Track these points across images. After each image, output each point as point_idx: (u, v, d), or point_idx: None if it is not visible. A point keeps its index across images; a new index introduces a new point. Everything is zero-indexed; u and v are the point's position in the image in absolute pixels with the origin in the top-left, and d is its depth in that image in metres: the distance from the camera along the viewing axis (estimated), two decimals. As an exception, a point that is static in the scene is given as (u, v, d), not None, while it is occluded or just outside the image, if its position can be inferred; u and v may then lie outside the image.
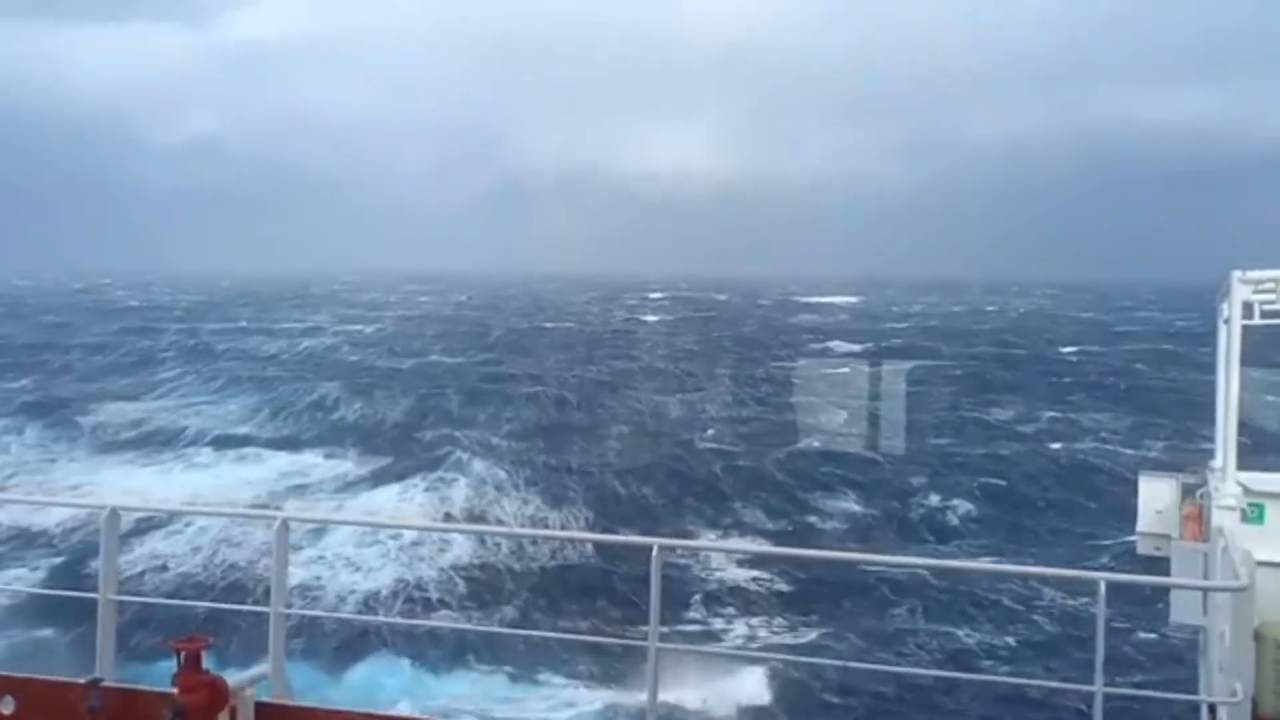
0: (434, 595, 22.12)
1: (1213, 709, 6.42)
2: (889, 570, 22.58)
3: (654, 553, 5.45)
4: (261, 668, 6.02)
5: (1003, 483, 30.77)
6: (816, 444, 36.12)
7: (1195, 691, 8.61)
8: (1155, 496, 9.83)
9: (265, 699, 5.90)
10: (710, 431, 38.32)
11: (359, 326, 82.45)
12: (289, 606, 6.29)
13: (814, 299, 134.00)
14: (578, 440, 35.81)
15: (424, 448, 34.39)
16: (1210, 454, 9.57)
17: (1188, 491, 9.61)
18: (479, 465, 31.38)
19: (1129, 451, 34.34)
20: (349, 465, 31.72)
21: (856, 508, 28.77)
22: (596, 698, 18.05)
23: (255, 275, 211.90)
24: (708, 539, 25.66)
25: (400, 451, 34.05)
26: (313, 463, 32.69)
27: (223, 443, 35.54)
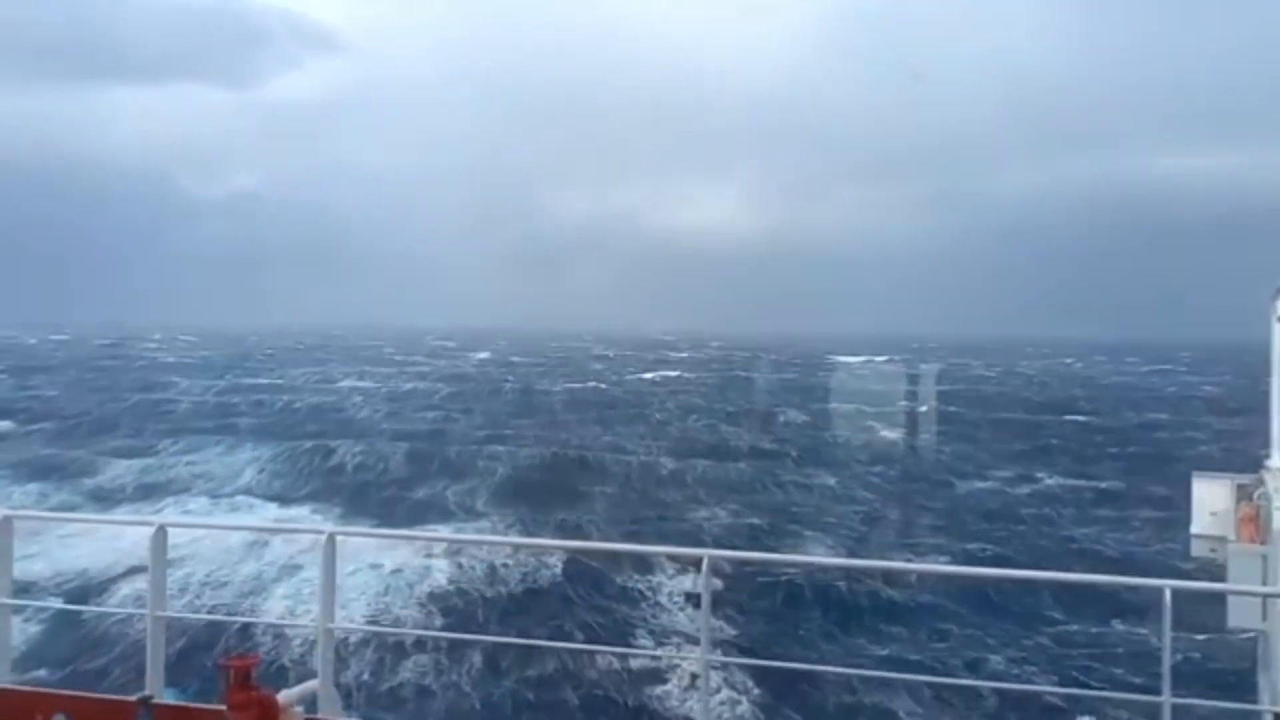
0: (480, 610, 22.29)
1: (1278, 718, 6.11)
2: (948, 583, 22.45)
3: (704, 564, 5.35)
4: (311, 684, 5.96)
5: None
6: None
7: (1254, 700, 8.26)
8: (1210, 498, 9.52)
9: (314, 715, 5.85)
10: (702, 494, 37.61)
11: (374, 384, 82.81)
12: (334, 622, 6.21)
13: (844, 358, 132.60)
14: (561, 504, 35.38)
15: (410, 508, 34.30)
16: (1266, 455, 9.15)
17: (1243, 493, 9.30)
18: (459, 526, 31.19)
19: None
20: (330, 524, 31.66)
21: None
22: (646, 712, 17.90)
23: (286, 329, 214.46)
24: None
25: (385, 511, 33.95)
26: (293, 516, 32.69)
27: (214, 495, 35.65)
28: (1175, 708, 4.56)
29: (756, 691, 17.66)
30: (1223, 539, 9.33)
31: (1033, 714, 17.51)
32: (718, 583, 22.12)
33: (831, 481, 39.20)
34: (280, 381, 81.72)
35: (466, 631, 20.77)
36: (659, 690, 18.33)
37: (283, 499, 35.60)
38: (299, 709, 5.81)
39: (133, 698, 5.88)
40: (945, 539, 28.81)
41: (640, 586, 23.86)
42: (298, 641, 18.52)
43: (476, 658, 19.30)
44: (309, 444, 44.72)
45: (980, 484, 39.77)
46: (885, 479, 40.35)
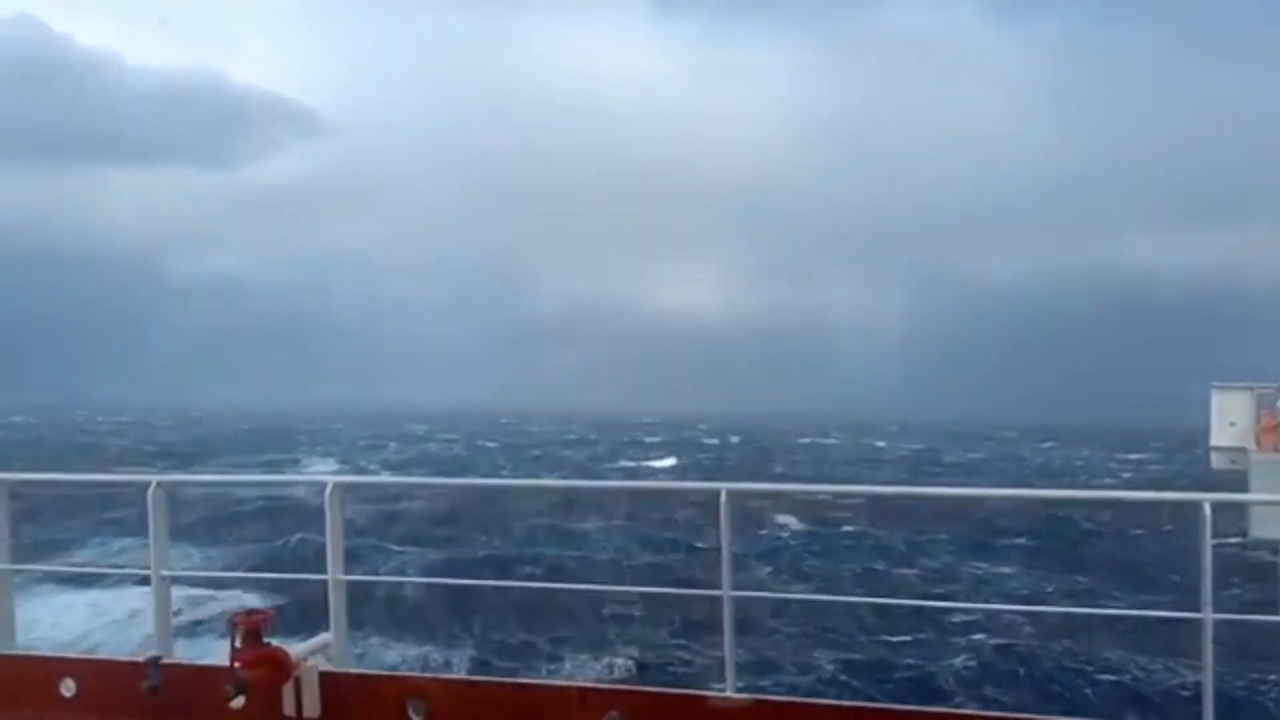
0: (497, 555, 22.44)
1: None
2: (985, 504, 24.44)
3: (722, 499, 5.27)
4: (323, 637, 5.88)
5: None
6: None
7: (1274, 610, 8.38)
8: (1229, 409, 9.53)
9: (329, 669, 5.75)
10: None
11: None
12: (343, 574, 6.07)
13: (815, 439, 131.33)
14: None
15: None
16: None
17: (1264, 402, 9.35)
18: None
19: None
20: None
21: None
22: (670, 648, 18.24)
23: (256, 411, 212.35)
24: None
25: (308, 607, 31.99)
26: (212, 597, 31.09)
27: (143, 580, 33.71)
28: (1221, 625, 4.51)
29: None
30: (1243, 450, 9.34)
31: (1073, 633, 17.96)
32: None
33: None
34: (243, 470, 79.38)
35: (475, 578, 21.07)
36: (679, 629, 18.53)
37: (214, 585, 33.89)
38: (313, 662, 5.71)
39: (142, 658, 5.83)
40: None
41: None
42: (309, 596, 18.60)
43: (495, 604, 19.64)
44: (254, 536, 42.59)
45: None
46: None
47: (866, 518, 33.95)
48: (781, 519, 36.35)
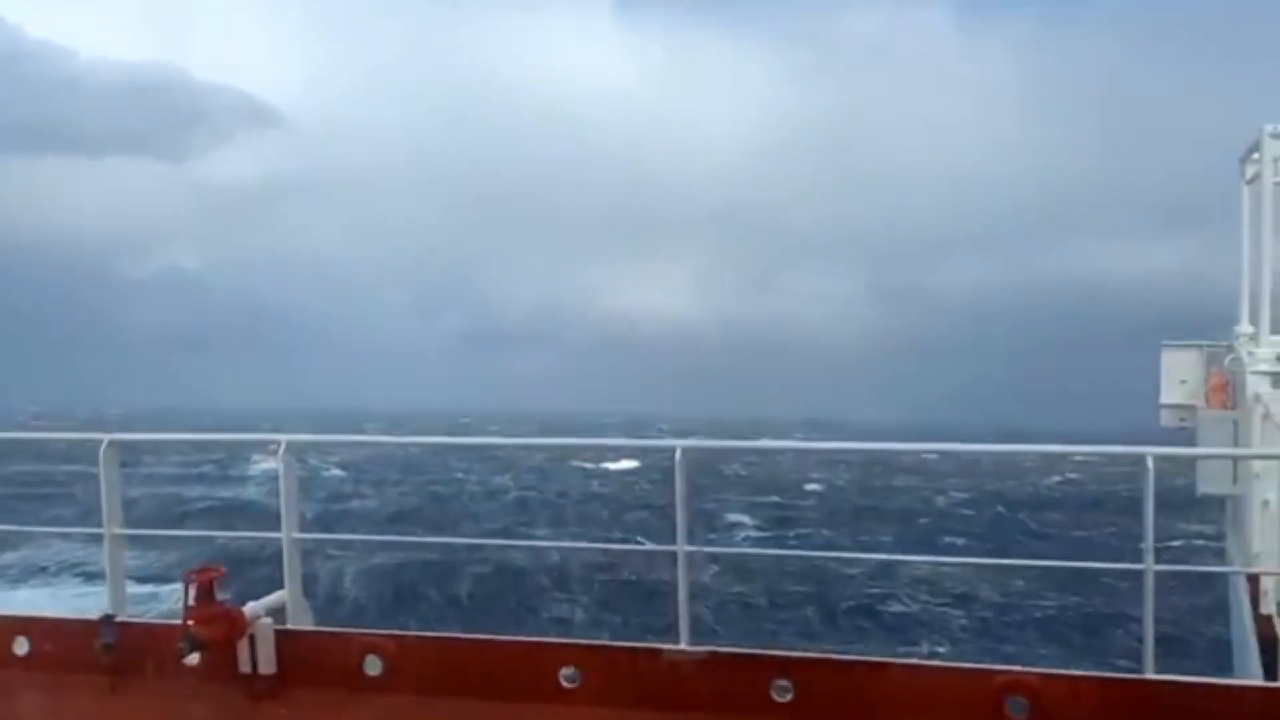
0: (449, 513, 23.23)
1: (1253, 579, 6.14)
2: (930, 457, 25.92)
3: (677, 456, 5.27)
4: (278, 594, 5.84)
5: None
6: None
7: (1223, 562, 8.75)
8: (1179, 367, 9.71)
9: (284, 626, 5.71)
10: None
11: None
12: (298, 532, 6.03)
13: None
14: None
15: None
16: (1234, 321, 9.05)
17: (1213, 360, 9.46)
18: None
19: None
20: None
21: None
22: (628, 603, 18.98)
23: (211, 410, 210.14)
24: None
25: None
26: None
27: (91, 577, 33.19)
28: (1156, 575, 4.66)
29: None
30: (1192, 407, 9.51)
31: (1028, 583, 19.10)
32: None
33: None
34: (192, 472, 78.10)
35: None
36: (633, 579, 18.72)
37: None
38: (268, 620, 5.66)
39: (95, 615, 5.79)
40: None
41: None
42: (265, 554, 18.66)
43: (451, 561, 19.62)
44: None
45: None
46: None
47: (819, 517, 34.35)
48: (734, 518, 36.46)
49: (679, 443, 5.46)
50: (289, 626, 5.78)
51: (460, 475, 74.17)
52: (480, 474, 77.75)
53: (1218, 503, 9.50)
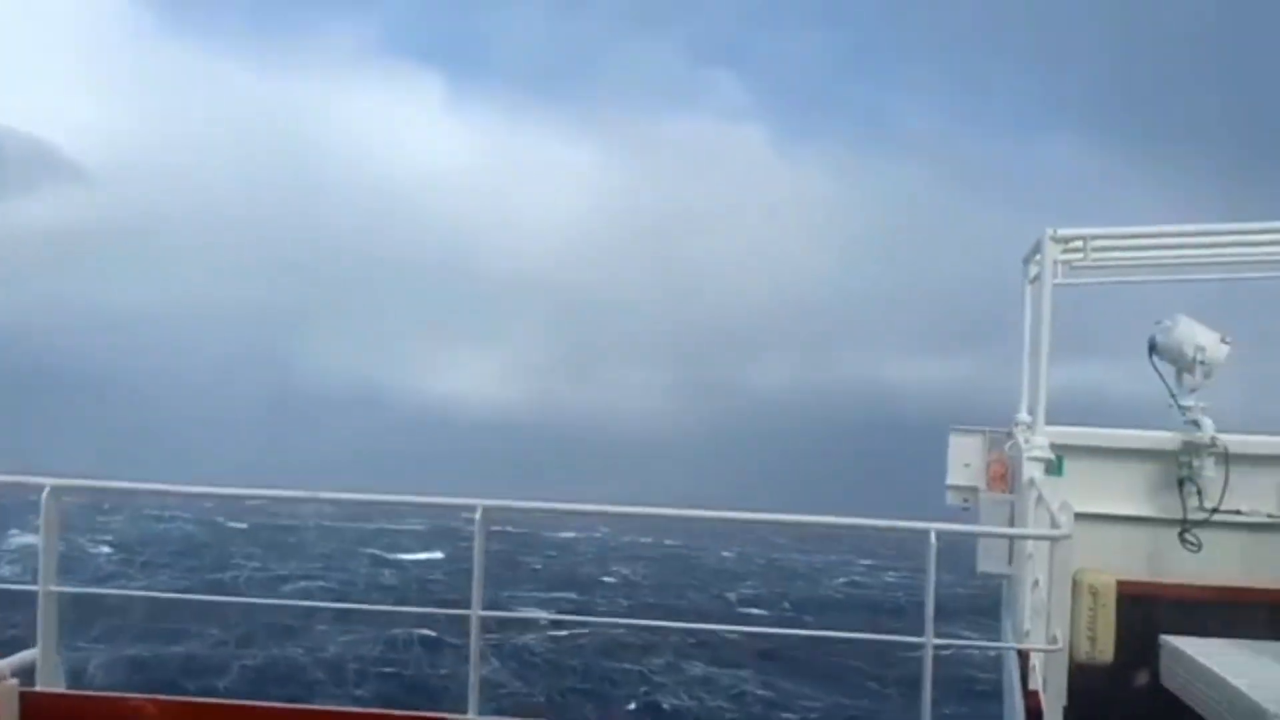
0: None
1: (1023, 655, 6.46)
2: (730, 528, 26.07)
3: (478, 515, 5.16)
4: (29, 653, 5.47)
5: None
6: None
7: (999, 639, 9.07)
8: (963, 451, 10.28)
9: (33, 688, 5.34)
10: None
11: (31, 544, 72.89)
12: (55, 585, 5.63)
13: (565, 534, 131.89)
14: None
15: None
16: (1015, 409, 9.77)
17: (994, 445, 10.08)
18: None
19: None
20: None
21: None
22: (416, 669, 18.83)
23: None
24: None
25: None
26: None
27: None
28: (942, 649, 4.83)
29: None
30: (975, 489, 10.04)
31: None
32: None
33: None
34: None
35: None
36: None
37: None
38: (13, 680, 5.29)
39: None
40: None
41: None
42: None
43: (213, 653, 18.10)
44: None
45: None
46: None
47: (612, 611, 34.58)
48: (527, 612, 35.87)
49: (481, 501, 5.37)
50: (39, 689, 5.39)
51: (240, 561, 70.18)
52: (263, 560, 73.79)
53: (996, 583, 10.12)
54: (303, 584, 52.44)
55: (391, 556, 72.98)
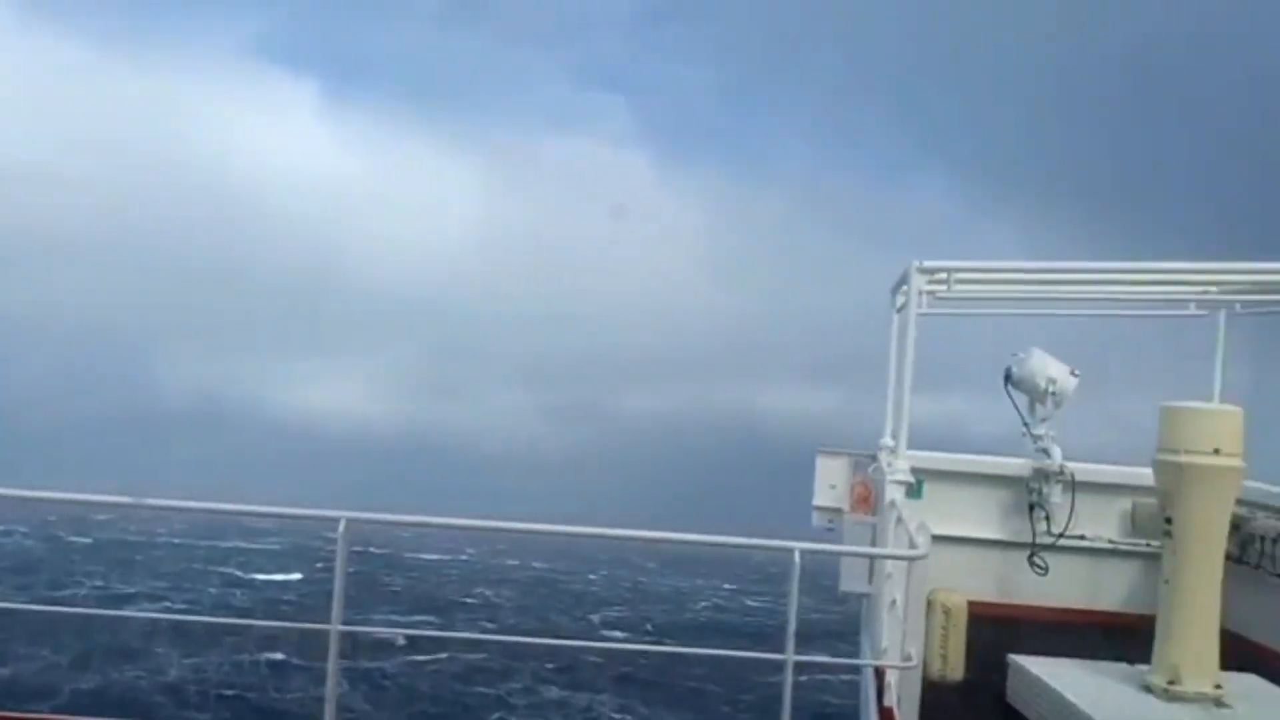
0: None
1: (879, 673, 6.66)
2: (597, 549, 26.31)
3: (341, 528, 5.08)
4: None
5: None
6: None
7: (857, 657, 9.29)
8: (830, 472, 10.55)
9: None
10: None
11: None
12: None
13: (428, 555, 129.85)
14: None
15: None
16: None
17: (858, 468, 10.30)
18: None
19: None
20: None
21: None
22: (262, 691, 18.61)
23: None
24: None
25: None
26: None
27: None
28: (802, 666, 4.95)
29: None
30: (840, 511, 10.32)
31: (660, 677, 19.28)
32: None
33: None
34: None
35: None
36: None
37: None
38: None
39: None
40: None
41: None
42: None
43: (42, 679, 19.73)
44: None
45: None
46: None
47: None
48: (385, 635, 35.09)
49: (344, 513, 5.25)
50: None
51: (81, 578, 66.08)
52: (105, 578, 69.83)
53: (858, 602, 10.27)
54: (146, 605, 49.79)
55: (246, 576, 69.82)
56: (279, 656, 25.78)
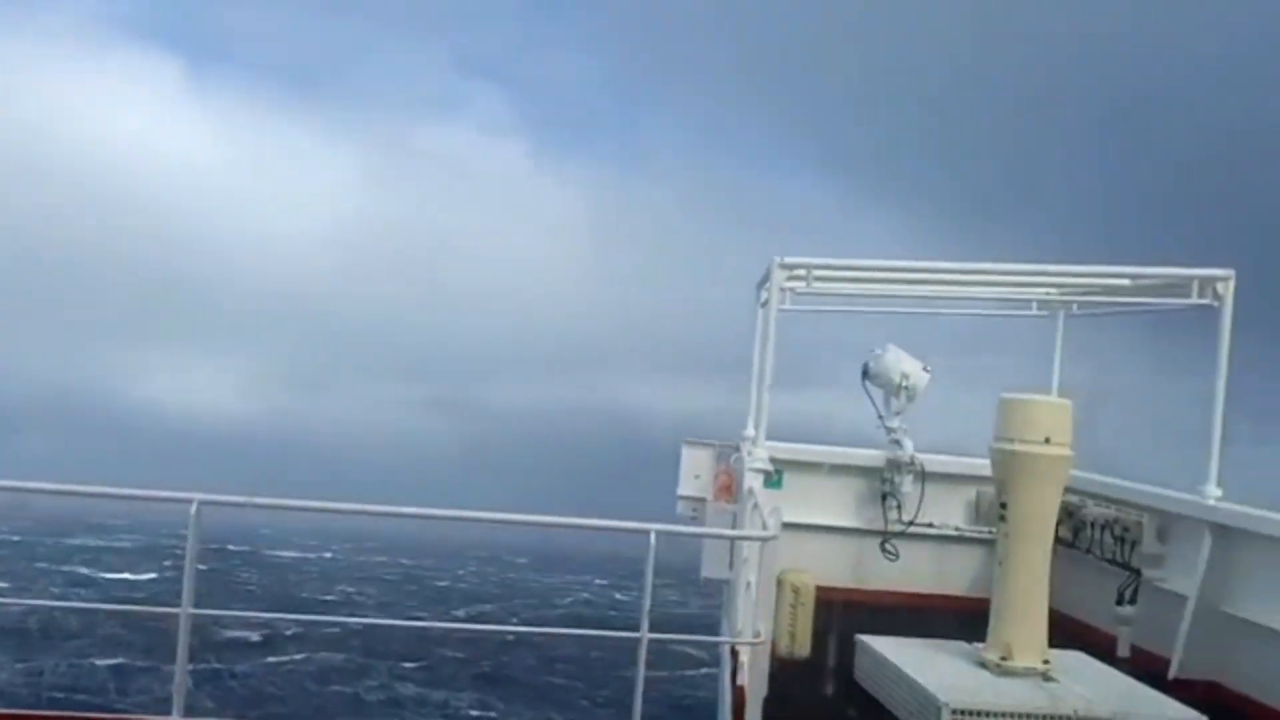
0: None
1: (734, 654, 6.72)
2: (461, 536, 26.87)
3: (193, 510, 4.94)
4: None
5: None
6: None
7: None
8: (694, 463, 10.87)
9: None
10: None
11: None
12: None
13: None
14: None
15: None
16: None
17: (722, 458, 10.63)
18: None
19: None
20: None
21: None
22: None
23: None
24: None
25: None
26: None
27: None
28: (651, 643, 5.03)
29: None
30: (703, 500, 10.65)
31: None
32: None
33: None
34: None
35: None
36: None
37: None
38: None
39: None
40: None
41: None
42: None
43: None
44: None
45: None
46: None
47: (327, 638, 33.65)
48: (236, 634, 33.83)
49: (196, 495, 5.13)
50: None
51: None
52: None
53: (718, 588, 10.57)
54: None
55: (93, 575, 66.10)
56: (121, 661, 24.75)
